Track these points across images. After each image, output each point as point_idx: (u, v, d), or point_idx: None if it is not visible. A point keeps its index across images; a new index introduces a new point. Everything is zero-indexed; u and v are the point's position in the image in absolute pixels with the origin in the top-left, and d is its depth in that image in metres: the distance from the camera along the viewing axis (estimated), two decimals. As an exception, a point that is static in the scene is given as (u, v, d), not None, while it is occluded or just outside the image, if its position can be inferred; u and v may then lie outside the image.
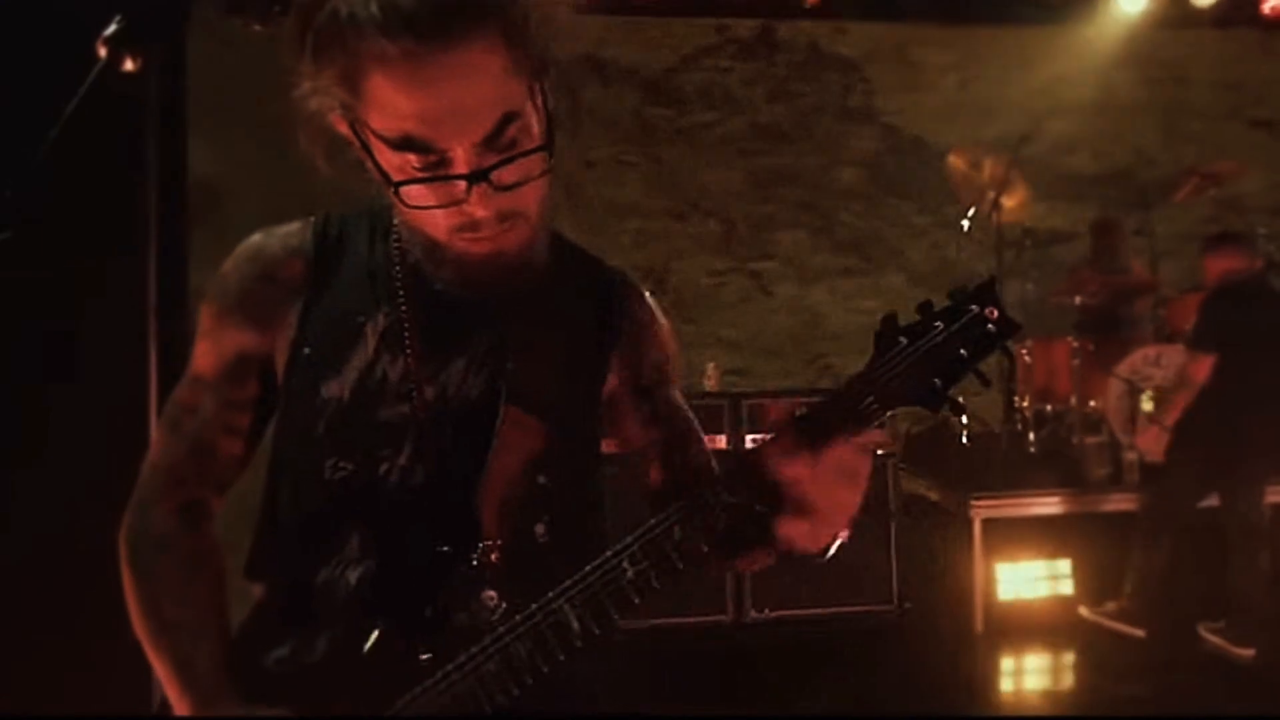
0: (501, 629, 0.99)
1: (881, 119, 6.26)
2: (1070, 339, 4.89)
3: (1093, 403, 4.81)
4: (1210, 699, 3.63)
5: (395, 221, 1.11)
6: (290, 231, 1.14)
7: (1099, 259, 5.29)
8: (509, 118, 0.94)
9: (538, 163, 0.98)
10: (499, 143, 0.94)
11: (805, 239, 6.18)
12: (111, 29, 0.94)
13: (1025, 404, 4.99)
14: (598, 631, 0.97)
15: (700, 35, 6.12)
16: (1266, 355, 3.84)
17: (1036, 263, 5.28)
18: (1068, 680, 4.03)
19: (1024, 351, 5.04)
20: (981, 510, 4.25)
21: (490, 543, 1.03)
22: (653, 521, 0.99)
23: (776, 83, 6.22)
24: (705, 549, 0.97)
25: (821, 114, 6.24)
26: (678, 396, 1.22)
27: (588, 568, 0.98)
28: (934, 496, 4.62)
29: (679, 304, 5.78)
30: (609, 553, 0.99)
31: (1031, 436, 4.92)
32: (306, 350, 1.09)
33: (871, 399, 0.95)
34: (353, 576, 1.05)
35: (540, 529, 1.05)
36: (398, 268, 1.10)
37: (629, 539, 0.98)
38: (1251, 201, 5.48)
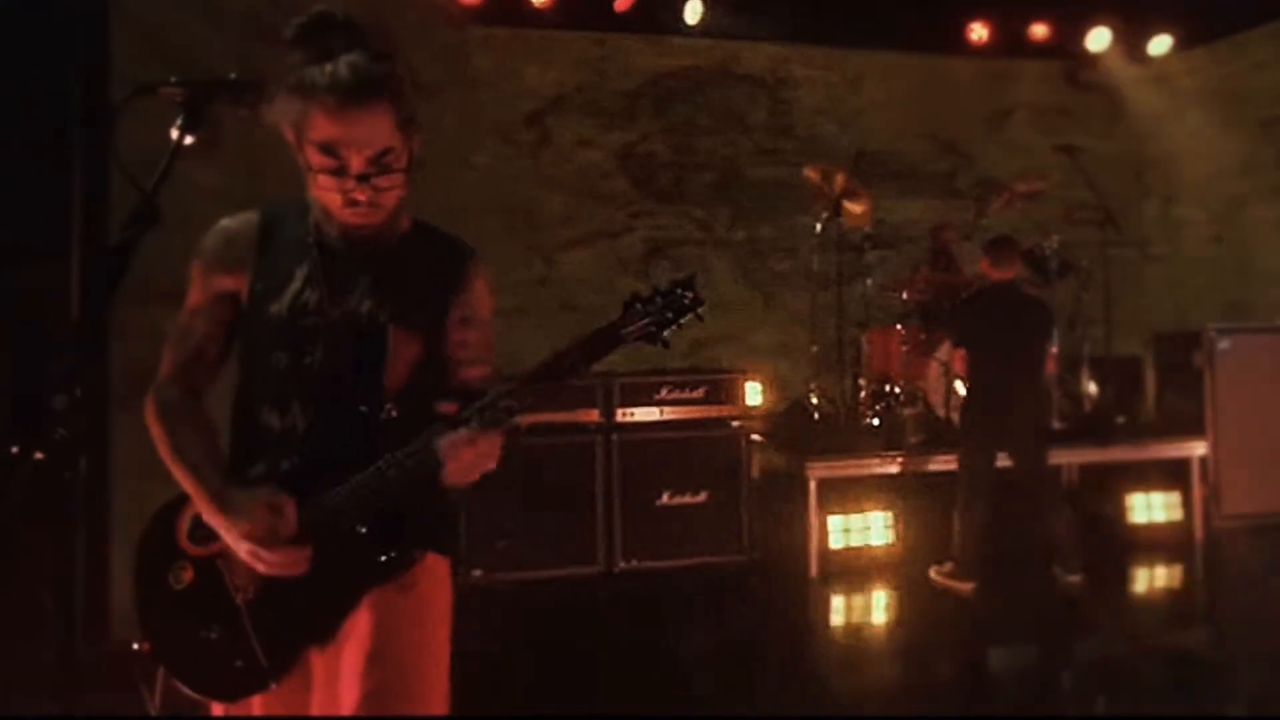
0: (392, 457, 1.62)
1: (742, 131, 6.96)
2: (900, 328, 5.64)
3: (919, 382, 5.56)
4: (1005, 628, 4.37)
5: (311, 207, 1.73)
6: (246, 214, 1.78)
7: (935, 260, 6.08)
8: (388, 150, 1.62)
9: (399, 179, 1.66)
10: (379, 161, 1.61)
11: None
12: (180, 121, 1.53)
13: (865, 385, 5.72)
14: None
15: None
16: (1009, 348, 4.61)
17: (876, 262, 6.02)
18: (889, 616, 4.68)
19: (864, 339, 5.77)
20: (816, 471, 4.92)
21: (389, 406, 1.69)
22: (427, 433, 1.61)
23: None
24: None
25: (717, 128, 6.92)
26: (477, 335, 1.82)
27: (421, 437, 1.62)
28: (782, 463, 5.28)
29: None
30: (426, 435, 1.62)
31: (869, 412, 5.64)
32: (259, 286, 1.73)
33: (614, 340, 1.61)
34: (300, 426, 1.69)
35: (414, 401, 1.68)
36: (312, 236, 1.73)
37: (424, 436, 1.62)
38: (1050, 212, 6.35)
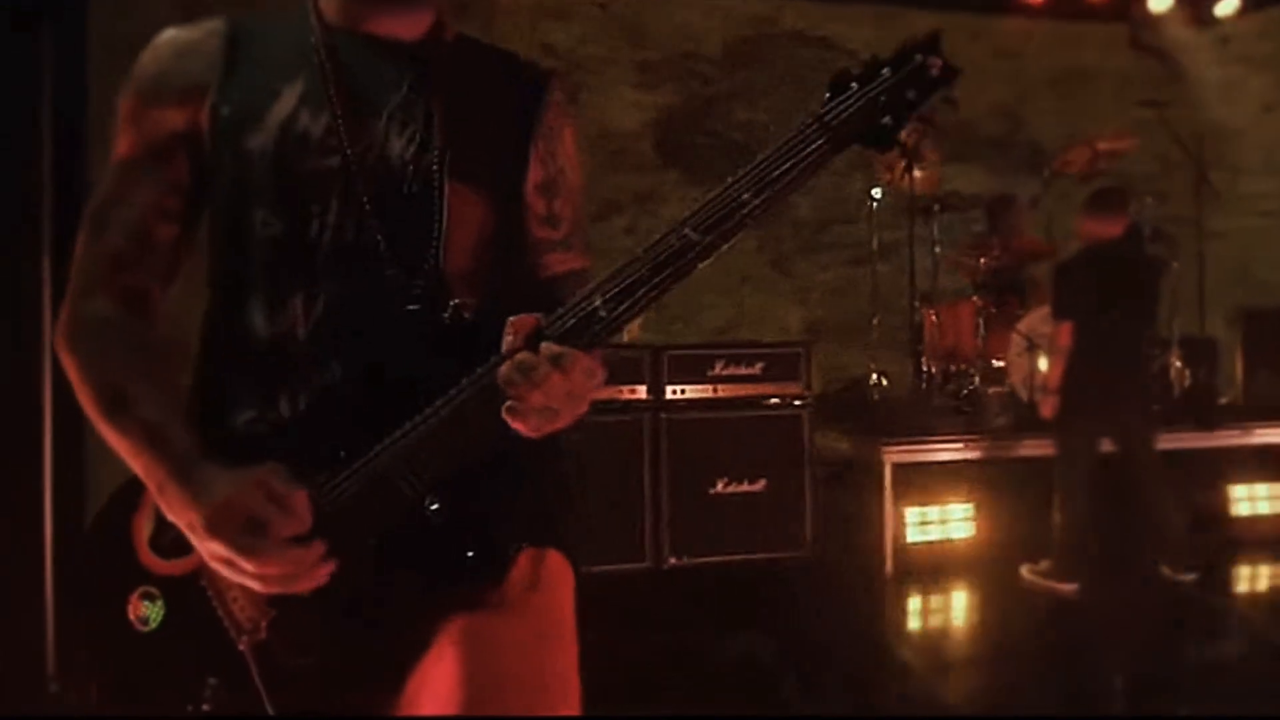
0: (470, 382, 0.99)
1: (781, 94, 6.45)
2: (975, 299, 5.12)
3: (995, 359, 5.04)
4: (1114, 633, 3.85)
5: None
6: (205, 20, 1.15)
7: (998, 230, 5.56)
8: None
9: None
10: None
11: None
12: None
13: (933, 362, 5.19)
14: None
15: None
16: (1119, 316, 4.05)
17: (945, 229, 5.48)
18: (973, 619, 4.19)
19: (932, 314, 5.25)
20: (892, 456, 4.39)
21: (461, 301, 1.05)
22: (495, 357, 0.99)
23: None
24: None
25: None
26: (565, 207, 1.21)
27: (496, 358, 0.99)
28: (845, 447, 4.76)
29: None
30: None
31: (938, 392, 5.11)
32: (225, 110, 1.09)
33: (824, 140, 0.96)
34: (302, 333, 1.06)
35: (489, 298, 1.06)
36: (314, 35, 1.12)
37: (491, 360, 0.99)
38: (1137, 170, 5.87)
